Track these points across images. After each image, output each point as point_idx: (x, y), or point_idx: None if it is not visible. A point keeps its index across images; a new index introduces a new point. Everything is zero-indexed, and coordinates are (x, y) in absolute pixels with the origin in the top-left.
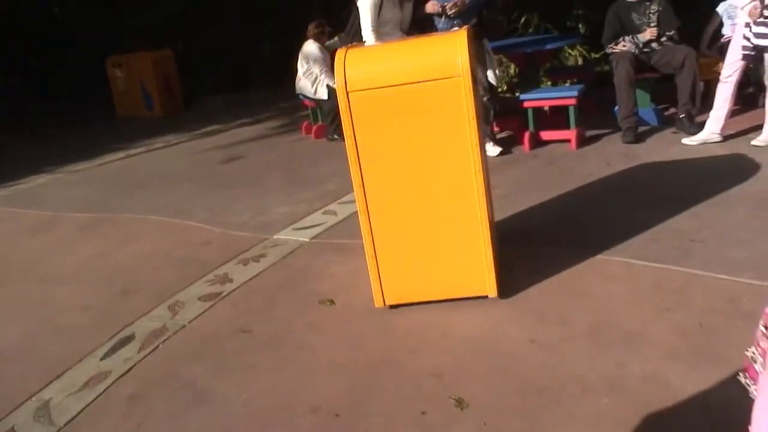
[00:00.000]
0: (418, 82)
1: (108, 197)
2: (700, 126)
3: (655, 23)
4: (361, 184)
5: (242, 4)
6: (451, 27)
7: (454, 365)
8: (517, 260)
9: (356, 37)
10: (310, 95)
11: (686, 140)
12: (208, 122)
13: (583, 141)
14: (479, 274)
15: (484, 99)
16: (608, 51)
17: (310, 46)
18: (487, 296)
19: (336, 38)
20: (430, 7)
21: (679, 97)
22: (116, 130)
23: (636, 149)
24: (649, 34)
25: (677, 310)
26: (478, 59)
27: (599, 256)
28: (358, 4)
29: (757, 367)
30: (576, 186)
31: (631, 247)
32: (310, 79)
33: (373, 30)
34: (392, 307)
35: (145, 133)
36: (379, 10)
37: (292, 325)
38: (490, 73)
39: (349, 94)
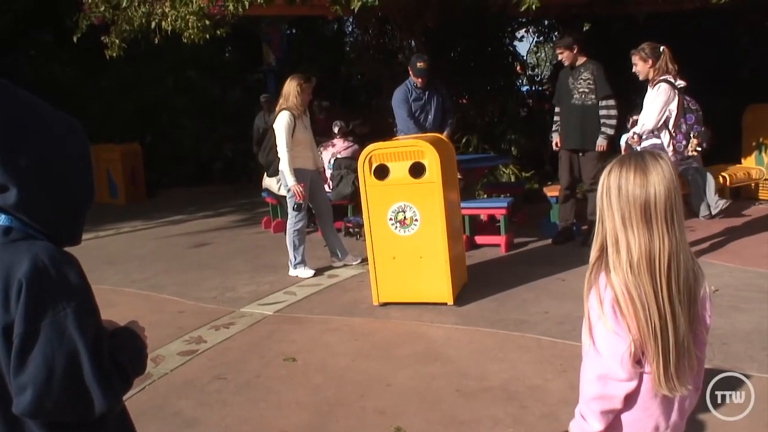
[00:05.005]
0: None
1: None
2: None
3: (584, 89)
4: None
5: (208, 108)
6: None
7: (395, 406)
8: (451, 334)
9: (271, 154)
10: (275, 191)
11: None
12: (171, 212)
13: (511, 246)
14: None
15: None
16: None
17: None
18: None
19: None
20: None
21: (589, 211)
22: None
23: (553, 255)
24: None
25: (572, 372)
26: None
27: (516, 333)
28: (274, 126)
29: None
30: (502, 281)
31: (541, 327)
32: (275, 177)
33: (287, 150)
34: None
35: (112, 217)
36: (292, 132)
37: (261, 375)
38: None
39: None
